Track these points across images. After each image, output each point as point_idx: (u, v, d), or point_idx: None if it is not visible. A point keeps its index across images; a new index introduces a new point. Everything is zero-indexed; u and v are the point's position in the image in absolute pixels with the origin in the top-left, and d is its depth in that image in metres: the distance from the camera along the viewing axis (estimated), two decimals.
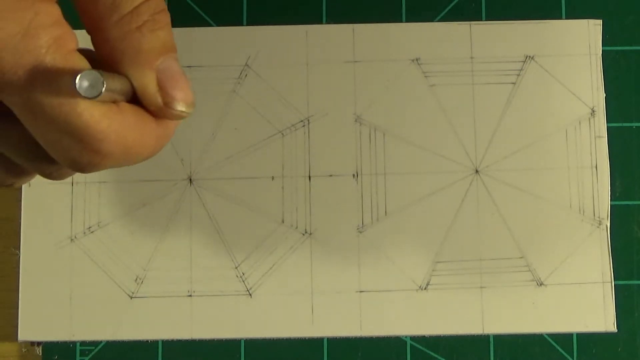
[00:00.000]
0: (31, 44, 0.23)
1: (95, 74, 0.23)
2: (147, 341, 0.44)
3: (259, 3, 0.46)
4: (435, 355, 0.44)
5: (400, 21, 0.46)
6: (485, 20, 0.46)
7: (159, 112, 0.26)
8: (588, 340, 0.44)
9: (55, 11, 0.24)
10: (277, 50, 0.45)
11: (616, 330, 0.44)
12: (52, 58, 0.23)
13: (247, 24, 0.46)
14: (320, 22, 0.46)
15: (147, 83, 0.26)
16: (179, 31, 0.45)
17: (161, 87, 0.26)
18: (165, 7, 0.26)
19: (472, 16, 0.46)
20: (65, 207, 0.44)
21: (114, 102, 0.25)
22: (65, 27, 0.24)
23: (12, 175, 0.29)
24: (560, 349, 0.44)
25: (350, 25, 0.46)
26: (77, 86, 0.22)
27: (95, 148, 0.24)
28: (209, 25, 0.46)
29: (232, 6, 0.46)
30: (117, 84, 0.25)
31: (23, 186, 0.44)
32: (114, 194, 0.44)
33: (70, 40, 0.24)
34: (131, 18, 0.25)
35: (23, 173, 0.28)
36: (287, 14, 0.46)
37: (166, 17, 0.26)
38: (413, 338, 0.44)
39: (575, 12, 0.46)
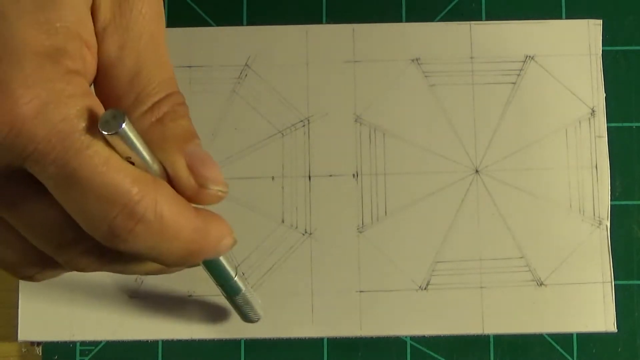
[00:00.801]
0: (64, 112, 0.23)
1: (116, 110, 0.23)
2: (147, 341, 0.44)
3: (259, 3, 0.46)
4: (435, 355, 0.44)
5: (400, 21, 0.46)
6: (485, 20, 0.46)
7: (195, 195, 0.27)
8: (588, 340, 0.44)
9: (85, 83, 0.25)
10: (277, 50, 0.45)
11: (616, 330, 0.44)
12: (84, 125, 0.23)
13: (247, 24, 0.46)
14: (320, 22, 0.46)
15: (178, 167, 0.26)
16: (179, 31, 0.46)
17: (192, 170, 0.26)
18: (184, 100, 0.27)
19: (472, 16, 0.46)
20: None
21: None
22: (94, 98, 0.24)
23: (34, 265, 0.28)
24: (560, 349, 0.44)
25: (350, 25, 0.46)
26: (99, 123, 0.23)
27: (129, 209, 0.24)
28: (209, 25, 0.46)
29: (232, 6, 0.46)
30: (147, 149, 0.25)
31: None
32: None
33: (100, 109, 0.24)
34: (153, 111, 0.26)
35: (46, 263, 0.28)
36: (287, 14, 0.46)
37: (185, 109, 0.27)
38: (413, 338, 0.44)
39: (575, 12, 0.46)
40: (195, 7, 0.46)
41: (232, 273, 0.35)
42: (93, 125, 0.23)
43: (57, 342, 0.44)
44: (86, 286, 0.44)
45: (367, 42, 0.45)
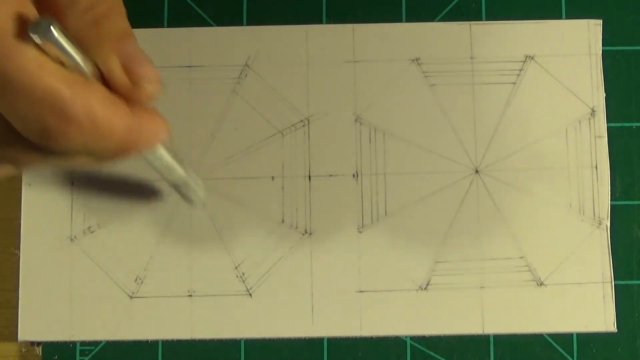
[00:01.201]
0: None
1: (45, 15, 0.24)
2: (147, 341, 0.44)
3: (259, 3, 0.46)
4: (435, 355, 0.44)
5: (400, 21, 0.46)
6: (485, 20, 0.46)
7: (129, 94, 0.27)
8: (588, 340, 0.44)
9: None
10: (277, 50, 0.45)
11: (616, 330, 0.44)
12: (16, 30, 0.24)
13: (247, 24, 0.46)
14: (320, 22, 0.46)
15: (112, 66, 0.27)
16: (179, 31, 0.46)
17: (126, 68, 0.27)
18: (121, 1, 0.28)
19: (472, 16, 0.46)
20: (65, 207, 0.44)
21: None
22: (27, 3, 0.25)
23: None
24: (560, 349, 0.44)
25: (350, 25, 0.46)
26: (29, 28, 0.24)
27: (61, 111, 0.25)
28: (209, 25, 0.46)
29: (232, 6, 0.46)
30: (77, 50, 0.25)
31: (23, 186, 0.44)
32: (113, 195, 0.44)
33: (33, 14, 0.25)
34: (88, 10, 0.26)
35: None
36: (287, 14, 0.46)
37: (122, 9, 0.28)
38: (413, 338, 0.44)
39: (575, 12, 0.46)
40: (195, 7, 0.46)
41: (172, 161, 0.36)
42: (24, 30, 0.24)
43: (57, 342, 0.44)
44: (86, 286, 0.44)
45: (367, 42, 0.46)
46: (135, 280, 0.44)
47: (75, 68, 0.26)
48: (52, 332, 0.43)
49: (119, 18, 0.27)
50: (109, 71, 0.27)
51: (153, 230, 0.44)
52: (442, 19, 0.46)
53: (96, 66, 0.27)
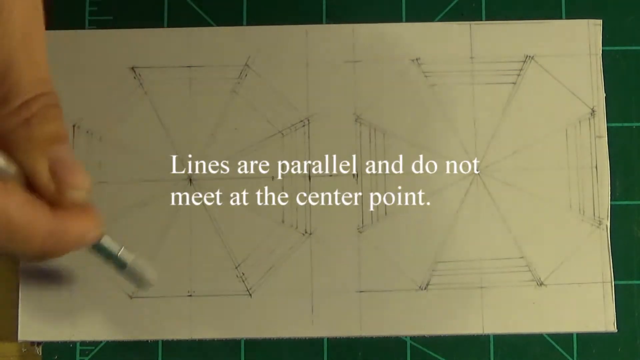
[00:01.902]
0: None
1: None
2: (147, 341, 0.44)
3: (259, 3, 0.46)
4: (435, 355, 0.44)
5: (400, 21, 0.46)
6: (485, 20, 0.46)
7: (54, 198, 0.27)
8: (588, 340, 0.44)
9: None
10: (277, 50, 0.45)
11: (616, 330, 0.44)
12: None
13: (247, 24, 0.46)
14: (320, 22, 0.46)
15: (39, 170, 0.26)
16: (179, 31, 0.46)
17: (53, 175, 0.26)
18: (57, 102, 0.27)
19: (472, 16, 0.46)
20: None
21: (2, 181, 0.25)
22: None
23: None
24: (560, 349, 0.44)
25: (350, 25, 0.46)
26: None
27: None
28: (209, 25, 0.46)
29: (232, 6, 0.46)
30: (3, 155, 0.25)
31: None
32: (113, 194, 0.44)
33: None
34: (20, 111, 0.26)
35: None
36: (287, 14, 0.46)
37: (57, 111, 0.27)
38: (413, 338, 0.44)
39: (575, 12, 0.46)
40: (195, 7, 0.46)
41: (115, 251, 0.36)
42: None
43: (57, 342, 0.44)
44: (86, 286, 0.44)
45: (367, 42, 0.45)
46: None
47: None
48: (52, 332, 0.43)
49: (53, 120, 0.27)
50: (34, 175, 0.26)
51: (153, 230, 0.44)
52: (442, 19, 0.46)
53: (22, 168, 0.26)
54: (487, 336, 0.44)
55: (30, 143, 0.26)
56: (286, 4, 0.46)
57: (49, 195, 0.27)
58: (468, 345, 0.44)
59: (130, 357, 0.44)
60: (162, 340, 0.44)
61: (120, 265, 0.38)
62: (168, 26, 0.46)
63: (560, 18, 0.46)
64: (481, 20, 0.46)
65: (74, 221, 0.28)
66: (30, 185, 0.26)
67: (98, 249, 0.35)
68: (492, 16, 0.46)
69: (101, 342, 0.44)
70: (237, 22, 0.46)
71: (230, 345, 0.44)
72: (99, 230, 0.29)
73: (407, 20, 0.46)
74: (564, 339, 0.44)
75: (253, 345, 0.44)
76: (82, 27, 0.46)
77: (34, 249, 0.26)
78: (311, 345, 0.44)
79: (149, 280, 0.40)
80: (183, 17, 0.46)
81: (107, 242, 0.35)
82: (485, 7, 0.46)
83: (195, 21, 0.46)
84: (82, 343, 0.44)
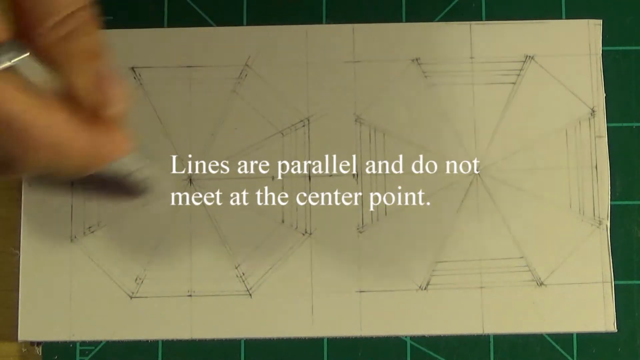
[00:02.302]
0: None
1: (11, 42, 0.24)
2: (147, 341, 0.44)
3: (259, 3, 0.46)
4: (435, 355, 0.44)
5: (400, 21, 0.46)
6: (486, 20, 0.46)
7: (95, 112, 0.27)
8: (588, 340, 0.44)
9: None
10: (277, 50, 0.45)
11: (616, 330, 0.44)
12: None
13: (247, 24, 0.46)
14: (320, 22, 0.46)
15: (80, 82, 0.26)
16: (179, 31, 0.46)
17: (95, 87, 0.27)
18: (94, 17, 0.27)
19: (472, 16, 0.46)
20: (65, 207, 0.44)
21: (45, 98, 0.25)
22: None
23: None
24: (560, 349, 0.44)
25: (350, 25, 0.46)
26: None
27: (22, 139, 0.25)
28: (209, 25, 0.46)
29: (232, 6, 0.46)
30: (42, 70, 0.25)
31: (23, 186, 0.44)
32: None
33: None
34: (59, 27, 0.26)
35: None
36: (287, 14, 0.46)
37: (94, 26, 0.27)
38: (413, 338, 0.44)
39: (575, 12, 0.46)
40: (195, 7, 0.46)
41: (137, 164, 0.35)
42: None
43: (57, 342, 0.44)
44: (86, 286, 0.44)
45: (367, 42, 0.46)
46: (135, 280, 0.44)
47: (37, 89, 0.25)
48: (52, 332, 0.43)
49: (91, 35, 0.27)
50: (77, 90, 0.26)
51: (153, 230, 0.44)
52: (442, 19, 0.46)
53: (64, 83, 0.26)
54: (487, 336, 0.44)
55: (70, 58, 0.26)
56: (286, 4, 0.46)
57: (88, 110, 0.27)
58: (468, 345, 0.44)
59: (130, 357, 0.44)
60: (162, 340, 0.44)
61: (142, 174, 0.37)
62: (168, 26, 0.46)
63: (560, 18, 0.46)
64: (481, 20, 0.46)
65: (111, 134, 0.28)
66: (71, 100, 0.27)
67: (123, 163, 0.34)
68: (492, 16, 0.46)
69: (101, 342, 0.44)
70: (237, 22, 0.46)
71: (230, 345, 0.44)
72: (131, 144, 0.29)
73: (407, 20, 0.46)
74: (564, 339, 0.44)
75: (253, 345, 0.44)
76: None
77: (75, 163, 0.27)
78: (311, 345, 0.44)
79: (165, 187, 0.40)
80: (183, 17, 0.46)
81: (132, 157, 0.35)
82: (485, 7, 0.46)
83: (196, 21, 0.46)
84: (82, 343, 0.44)
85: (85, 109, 0.27)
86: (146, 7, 0.46)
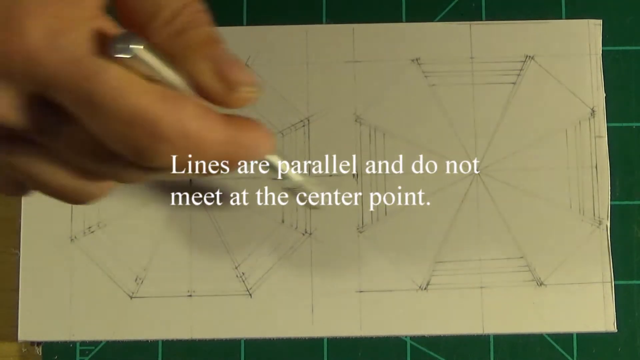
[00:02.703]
0: (73, 38, 0.23)
1: (127, 31, 0.23)
2: (147, 341, 0.44)
3: (259, 3, 0.46)
4: (435, 355, 0.44)
5: (400, 21, 0.46)
6: (486, 20, 0.46)
7: (224, 100, 0.26)
8: (588, 340, 0.44)
9: (93, 2, 0.24)
10: (277, 50, 0.45)
11: (616, 330, 0.44)
12: (96, 49, 0.23)
13: (247, 24, 0.46)
14: (320, 22, 0.46)
15: (203, 74, 0.26)
16: None
17: (218, 75, 0.26)
18: (203, 8, 0.27)
19: (472, 16, 0.46)
20: (65, 207, 0.44)
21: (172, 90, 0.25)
22: (105, 19, 0.24)
23: (86, 179, 0.28)
24: (560, 349, 0.44)
25: (350, 25, 0.46)
26: (111, 46, 0.23)
27: (152, 131, 0.24)
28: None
29: (232, 6, 0.46)
30: (163, 62, 0.25)
31: None
32: (113, 194, 0.44)
33: (113, 30, 0.24)
34: (171, 21, 0.26)
35: (97, 177, 0.28)
36: (287, 14, 0.46)
37: (206, 16, 0.27)
38: (413, 338, 0.44)
39: (576, 12, 0.46)
40: None
41: (283, 168, 0.34)
42: (105, 48, 0.23)
43: (57, 342, 0.44)
44: (86, 286, 0.44)
45: (367, 42, 0.46)
46: (135, 280, 0.44)
47: (163, 82, 0.25)
48: (52, 332, 0.43)
49: (205, 24, 0.27)
50: (201, 80, 0.26)
51: (153, 230, 0.44)
52: (442, 19, 0.46)
53: (186, 76, 0.26)
54: (487, 336, 0.44)
55: (188, 50, 0.26)
56: (286, 4, 0.46)
57: (218, 98, 0.26)
58: (468, 345, 0.44)
59: (130, 357, 0.44)
60: (162, 340, 0.44)
61: (288, 184, 0.36)
62: None
63: (560, 18, 0.46)
64: (481, 20, 0.46)
65: (247, 128, 0.27)
66: (198, 92, 0.26)
67: (267, 164, 0.33)
68: (492, 16, 0.46)
69: (101, 342, 0.44)
70: (237, 22, 0.46)
71: (230, 345, 0.44)
72: (271, 142, 0.28)
73: (407, 20, 0.46)
74: (564, 339, 0.44)
75: (253, 345, 0.44)
76: None
77: (211, 159, 0.26)
78: (311, 345, 0.44)
79: (315, 204, 0.39)
80: None
81: (276, 158, 0.33)
82: (485, 7, 0.46)
83: None
84: (82, 343, 0.44)
85: (214, 98, 0.26)
86: None
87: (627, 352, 0.44)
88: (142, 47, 0.23)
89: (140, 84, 0.24)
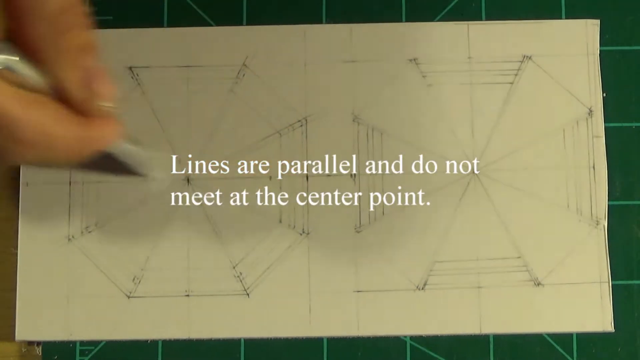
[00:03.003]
0: None
1: (1, 44, 0.24)
2: (147, 341, 0.44)
3: (258, 3, 0.46)
4: (435, 355, 0.44)
5: (399, 21, 0.46)
6: (485, 20, 0.46)
7: (83, 108, 0.27)
8: (588, 340, 0.44)
9: None
10: (275, 50, 0.45)
11: (613, 330, 0.44)
12: None
13: (247, 24, 0.46)
14: (318, 22, 0.46)
15: (69, 79, 0.27)
16: (177, 31, 0.46)
17: (85, 84, 0.27)
18: (85, 12, 0.28)
19: (472, 16, 0.46)
20: (63, 207, 0.44)
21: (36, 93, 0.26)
22: None
23: None
24: (560, 349, 0.44)
25: (348, 25, 0.46)
26: None
27: (13, 134, 0.25)
28: (209, 25, 0.46)
29: (232, 6, 0.46)
30: (32, 70, 0.26)
31: (21, 186, 0.44)
32: (111, 194, 0.44)
33: None
34: (50, 20, 0.26)
35: None
36: (285, 14, 0.46)
37: (84, 21, 0.27)
38: (413, 338, 0.44)
39: (574, 12, 0.46)
40: (195, 7, 0.46)
41: (130, 151, 0.34)
42: None
43: (57, 342, 0.44)
44: (84, 286, 0.44)
45: (365, 42, 0.46)
46: (133, 280, 0.44)
47: (27, 85, 0.26)
48: (50, 332, 0.43)
49: (82, 32, 0.27)
50: (64, 84, 0.27)
51: (151, 230, 0.44)
52: (442, 19, 0.46)
53: (53, 80, 0.27)
54: (486, 336, 0.44)
55: (60, 54, 0.27)
56: (285, 4, 0.46)
57: (77, 105, 0.27)
58: (468, 345, 0.44)
59: (130, 357, 0.44)
60: (162, 340, 0.44)
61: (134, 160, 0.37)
62: (168, 26, 0.46)
63: (559, 18, 0.46)
64: (481, 20, 0.46)
65: (99, 125, 0.28)
66: (60, 96, 0.27)
67: (115, 150, 0.34)
68: (491, 16, 0.46)
69: (101, 342, 0.44)
70: (236, 22, 0.46)
71: (230, 345, 0.44)
72: (119, 133, 0.29)
73: (407, 21, 0.46)
74: (563, 339, 0.44)
75: (253, 345, 0.44)
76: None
77: (65, 154, 0.27)
78: (311, 345, 0.44)
79: (162, 173, 0.40)
80: (183, 17, 0.46)
81: (122, 145, 0.35)
82: (484, 7, 0.46)
83: (195, 21, 0.46)
84: (82, 343, 0.44)
85: (74, 104, 0.27)
86: (146, 7, 0.46)
87: (627, 352, 0.44)
88: (17, 58, 0.24)
89: (5, 88, 0.25)
